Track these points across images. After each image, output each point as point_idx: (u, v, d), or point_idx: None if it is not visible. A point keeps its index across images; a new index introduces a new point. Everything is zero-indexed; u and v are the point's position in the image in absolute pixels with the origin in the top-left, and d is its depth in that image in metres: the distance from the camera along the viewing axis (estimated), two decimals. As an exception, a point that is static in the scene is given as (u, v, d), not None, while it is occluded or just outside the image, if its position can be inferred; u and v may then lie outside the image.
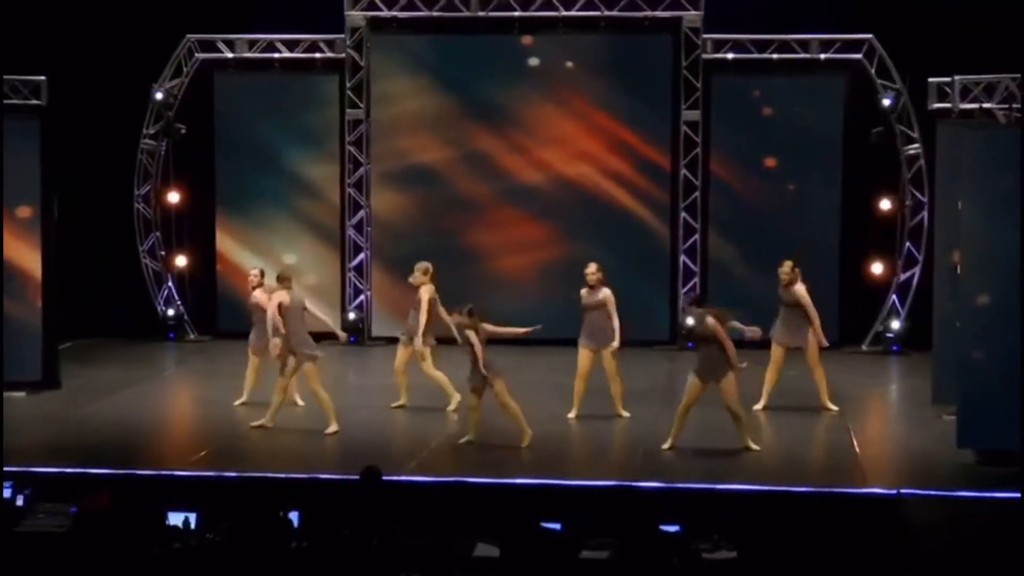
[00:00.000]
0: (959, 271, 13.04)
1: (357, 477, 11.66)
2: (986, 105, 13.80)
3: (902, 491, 11.74)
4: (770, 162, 20.11)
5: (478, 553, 10.62)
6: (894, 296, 19.89)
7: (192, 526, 11.16)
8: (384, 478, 11.13)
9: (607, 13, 19.79)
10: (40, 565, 10.37)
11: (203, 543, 10.77)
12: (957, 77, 13.89)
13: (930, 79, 15.70)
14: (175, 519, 10.92)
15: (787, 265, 15.72)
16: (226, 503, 11.64)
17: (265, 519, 10.83)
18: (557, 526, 10.73)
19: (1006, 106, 14.04)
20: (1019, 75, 13.61)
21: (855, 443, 14.00)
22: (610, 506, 11.62)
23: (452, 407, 15.66)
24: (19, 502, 11.62)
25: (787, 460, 13.29)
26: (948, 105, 15.26)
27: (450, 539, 10.71)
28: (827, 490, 12.09)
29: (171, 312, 20.83)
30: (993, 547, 10.44)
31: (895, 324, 19.78)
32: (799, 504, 11.70)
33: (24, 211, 16.49)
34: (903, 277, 19.84)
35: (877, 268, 20.06)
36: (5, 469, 12.46)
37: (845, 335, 19.87)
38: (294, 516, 11.18)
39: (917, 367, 18.53)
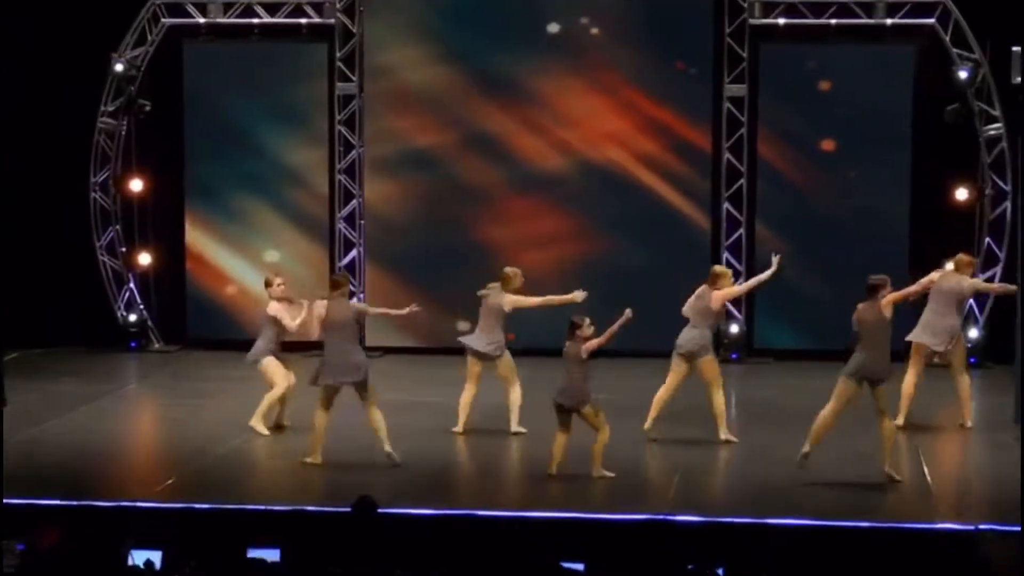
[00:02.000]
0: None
1: (348, 509, 11.67)
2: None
3: (980, 527, 11.70)
4: (828, 145, 20.05)
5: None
6: (971, 301, 19.81)
7: (156, 566, 11.18)
8: (380, 510, 11.11)
9: (638, -29, 19.82)
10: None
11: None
12: (1017, 49, 13.76)
13: (1015, 48, 15.57)
14: (137, 558, 10.93)
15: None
16: (195, 539, 11.67)
17: (239, 558, 10.84)
18: (580, 566, 10.73)
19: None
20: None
21: (926, 470, 13.94)
22: (639, 543, 11.61)
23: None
24: (-45, 539, 11.62)
25: (847, 490, 13.23)
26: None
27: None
28: (893, 525, 12.06)
29: (133, 317, 20.85)
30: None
31: (973, 333, 19.74)
32: (860, 541, 11.67)
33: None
34: (983, 278, 19.75)
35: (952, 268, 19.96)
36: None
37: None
38: (274, 554, 11.21)
39: (996, 382, 18.53)
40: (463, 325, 19.82)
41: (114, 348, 20.64)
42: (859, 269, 19.51)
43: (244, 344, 16.95)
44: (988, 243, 19.77)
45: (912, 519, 12.41)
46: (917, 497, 13.20)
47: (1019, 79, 15.24)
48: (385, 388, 16.23)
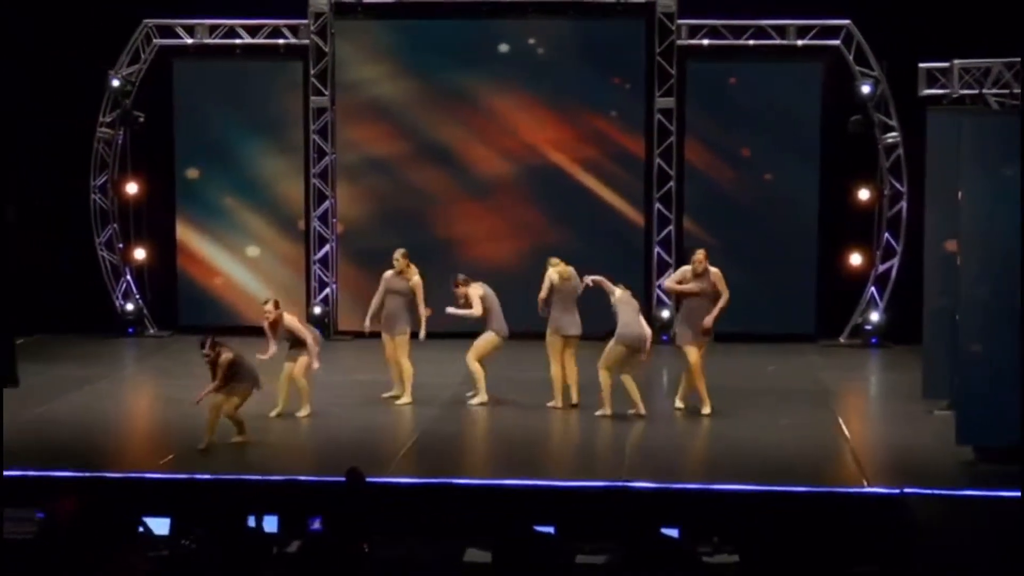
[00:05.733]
0: (958, 262, 12.70)
1: (336, 479, 11.28)
2: (983, 91, 13.44)
3: (905, 490, 11.42)
4: (746, 151, 19.79)
5: (468, 558, 10.26)
6: (872, 288, 19.62)
7: (166, 532, 10.77)
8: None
9: (578, -2, 19.45)
10: (7, 574, 9.92)
11: (179, 550, 10.36)
12: (957, 62, 13.55)
13: (921, 64, 15.37)
14: (152, 525, 10.51)
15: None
16: (199, 508, 11.25)
17: (242, 524, 10.41)
18: (551, 529, 10.38)
19: (1003, 91, 13.70)
20: (1017, 60, 13.28)
21: (850, 440, 13.68)
22: (605, 508, 11.23)
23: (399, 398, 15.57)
24: (-20, 509, 11.12)
25: (782, 459, 12.91)
26: (940, 91, 14.90)
27: (438, 544, 10.35)
28: (829, 490, 11.78)
29: (130, 307, 20.33)
30: (996, 546, 10.16)
31: (874, 316, 19.52)
32: (800, 504, 11.35)
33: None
34: (881, 268, 19.59)
35: (855, 259, 19.81)
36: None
37: (823, 327, 19.66)
38: (273, 521, 10.81)
39: (898, 360, 18.35)
40: (426, 312, 19.50)
41: (112, 334, 20.08)
42: (774, 260, 19.55)
43: (231, 330, 16.50)
44: (887, 238, 19.55)
45: (843, 484, 12.12)
46: (845, 463, 12.90)
47: (925, 91, 14.92)
48: (354, 370, 15.94)
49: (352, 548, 9.89)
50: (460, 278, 15.80)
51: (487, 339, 15.64)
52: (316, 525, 10.40)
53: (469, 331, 15.93)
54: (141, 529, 10.66)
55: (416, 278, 15.73)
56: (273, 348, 14.84)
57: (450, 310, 15.78)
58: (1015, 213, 11.98)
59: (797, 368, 17.77)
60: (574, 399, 15.18)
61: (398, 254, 15.80)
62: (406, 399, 15.58)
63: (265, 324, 14.93)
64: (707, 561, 10.07)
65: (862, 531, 10.63)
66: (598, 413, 14.74)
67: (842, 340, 19.66)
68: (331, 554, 9.79)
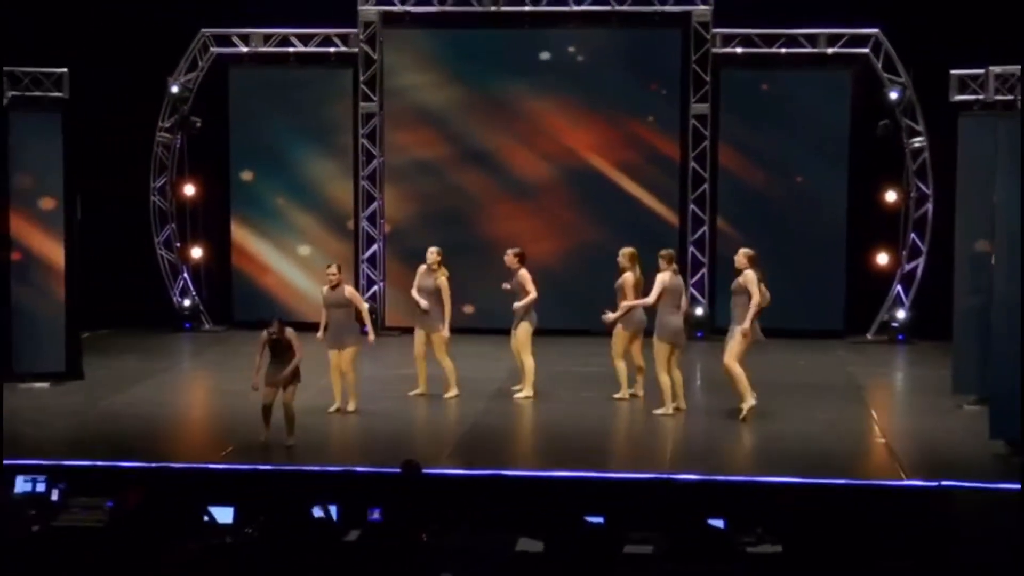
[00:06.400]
0: (993, 260, 12.55)
1: (392, 470, 11.19)
2: (1019, 97, 13.26)
3: (943, 483, 11.27)
4: (778, 154, 19.60)
5: (520, 548, 10.15)
6: (898, 286, 19.47)
7: (229, 520, 10.69)
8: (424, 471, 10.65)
9: (618, 8, 19.34)
10: (79, 560, 9.89)
11: (243, 538, 10.28)
12: (992, 68, 13.39)
13: (952, 71, 15.19)
14: (216, 513, 10.43)
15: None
16: (261, 497, 11.16)
17: (303, 513, 10.35)
18: (600, 520, 10.27)
19: (1011, 97, 13.51)
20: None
21: (884, 434, 13.53)
22: (651, 499, 11.12)
23: (522, 395, 15.28)
24: (54, 497, 11.09)
25: (821, 451, 12.77)
26: (970, 97, 14.72)
27: (492, 534, 10.24)
28: (868, 483, 11.63)
29: (187, 303, 20.34)
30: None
31: (900, 314, 19.38)
32: (841, 497, 11.21)
33: (47, 203, 16.00)
34: (908, 268, 19.43)
35: (882, 259, 19.68)
36: (37, 463, 11.99)
37: (851, 324, 19.53)
38: (333, 510, 10.71)
39: (924, 356, 18.22)
40: (468, 309, 19.46)
41: (170, 329, 20.13)
42: (805, 259, 19.41)
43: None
44: (913, 239, 19.39)
45: (881, 477, 11.98)
46: (882, 457, 12.76)
47: (956, 97, 14.75)
48: (403, 365, 15.86)
49: (410, 538, 9.81)
50: (517, 252, 15.39)
51: (527, 330, 15.31)
52: (376, 515, 10.29)
53: (497, 328, 15.71)
54: (206, 518, 10.59)
55: (442, 279, 15.29)
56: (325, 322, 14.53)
57: (506, 287, 15.43)
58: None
59: (828, 363, 17.65)
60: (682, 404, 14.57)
61: (432, 251, 15.47)
62: (453, 391, 15.31)
63: (325, 289, 14.62)
64: (751, 551, 9.91)
65: (901, 523, 10.49)
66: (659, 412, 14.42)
67: (869, 336, 19.52)
68: (391, 543, 9.74)
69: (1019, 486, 11.15)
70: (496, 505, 11.16)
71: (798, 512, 10.33)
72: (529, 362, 15.23)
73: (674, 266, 14.62)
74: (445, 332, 15.26)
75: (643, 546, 10.06)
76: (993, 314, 12.52)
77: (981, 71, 14.37)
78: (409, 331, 16.93)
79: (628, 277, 14.88)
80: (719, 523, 10.20)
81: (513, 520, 10.52)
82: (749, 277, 14.25)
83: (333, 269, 14.64)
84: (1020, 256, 12.01)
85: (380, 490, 10.89)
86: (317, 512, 10.09)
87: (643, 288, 14.82)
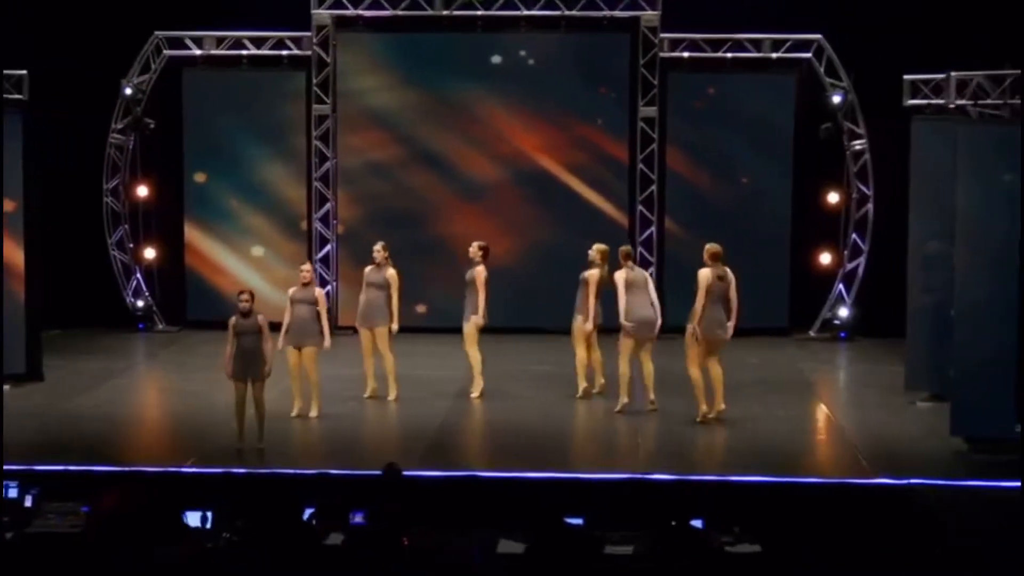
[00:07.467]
0: (954, 261, 12.51)
1: (367, 473, 10.96)
2: (977, 102, 13.26)
3: (912, 481, 11.19)
4: (723, 156, 19.53)
5: (501, 550, 9.94)
6: (840, 285, 19.48)
7: (208, 525, 10.38)
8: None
9: (567, 13, 19.15)
10: (56, 567, 9.54)
11: (224, 542, 9.99)
12: (953, 73, 13.37)
13: (906, 76, 15.18)
14: (192, 518, 10.12)
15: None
16: (238, 501, 10.86)
17: (282, 517, 10.07)
18: (579, 521, 10.08)
19: (972, 102, 13.51)
20: (1000, 71, 13.11)
21: (844, 431, 13.46)
22: (627, 500, 10.95)
23: (475, 393, 15.07)
24: (27, 502, 10.71)
25: (786, 451, 12.67)
26: (922, 101, 14.71)
27: (472, 536, 10.02)
28: (839, 481, 11.54)
29: (140, 303, 19.93)
30: (999, 537, 9.95)
31: (842, 311, 19.37)
32: (814, 496, 11.10)
33: (7, 204, 15.54)
34: (849, 267, 19.44)
35: (825, 258, 19.66)
36: (6, 468, 11.60)
37: (794, 321, 19.51)
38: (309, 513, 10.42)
39: (868, 353, 18.25)
40: (421, 309, 19.22)
41: (124, 329, 19.66)
42: (750, 258, 19.28)
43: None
44: (854, 238, 19.40)
45: (850, 475, 11.89)
46: (847, 455, 12.67)
47: (909, 102, 14.73)
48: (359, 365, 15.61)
49: (393, 541, 9.57)
50: (482, 244, 15.22)
51: (473, 325, 15.06)
52: (358, 519, 10.03)
53: (449, 327, 15.50)
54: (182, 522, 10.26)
55: (391, 271, 15.13)
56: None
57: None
58: (1008, 214, 11.80)
59: (778, 360, 17.58)
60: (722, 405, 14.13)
61: (378, 247, 15.27)
62: (393, 391, 15.04)
63: (294, 289, 14.38)
64: (729, 551, 9.77)
65: (875, 522, 10.39)
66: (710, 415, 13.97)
67: (812, 333, 19.51)
68: (374, 547, 9.50)
69: (980, 483, 11.14)
70: (474, 507, 10.97)
71: (774, 511, 10.23)
72: (475, 356, 15.04)
73: (629, 262, 14.49)
74: (395, 326, 14.98)
75: (623, 547, 9.89)
76: (956, 314, 12.48)
77: (932, 76, 14.34)
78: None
79: (594, 273, 14.74)
80: (698, 523, 10.06)
81: (491, 522, 10.32)
82: (701, 275, 14.10)
83: (307, 267, 14.66)
84: (981, 256, 11.98)
85: (358, 493, 10.61)
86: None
87: (605, 285, 14.70)
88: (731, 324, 13.95)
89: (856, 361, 18.01)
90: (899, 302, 15.74)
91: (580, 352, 14.87)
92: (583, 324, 14.77)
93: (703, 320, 13.86)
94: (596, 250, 14.88)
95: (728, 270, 14.18)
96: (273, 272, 19.82)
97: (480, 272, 15.08)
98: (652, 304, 14.37)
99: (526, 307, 18.81)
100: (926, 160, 14.06)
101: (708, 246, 14.27)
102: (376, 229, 19.35)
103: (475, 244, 15.34)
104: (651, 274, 19.21)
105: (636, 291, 14.30)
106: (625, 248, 14.85)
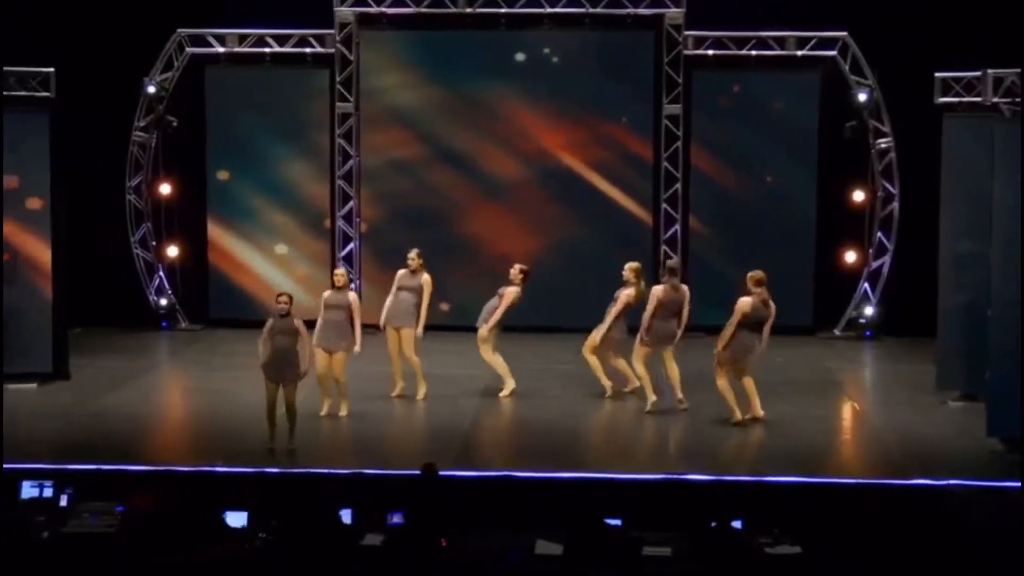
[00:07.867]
0: (991, 260, 12.40)
1: (401, 472, 10.91)
2: (994, 100, 13.15)
3: (951, 482, 11.10)
4: (748, 154, 19.42)
5: (539, 551, 9.89)
6: (866, 284, 19.39)
7: (244, 525, 10.34)
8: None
9: (592, 10, 19.07)
10: (93, 567, 9.51)
11: (260, 543, 9.94)
12: (991, 71, 13.24)
13: (937, 73, 15.04)
14: (233, 519, 10.08)
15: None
16: (273, 501, 10.82)
17: (317, 517, 10.02)
18: (618, 522, 10.03)
19: (1008, 100, 13.40)
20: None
21: (878, 431, 13.35)
22: (665, 501, 10.87)
23: (506, 392, 15.01)
24: (62, 502, 10.68)
25: (821, 451, 12.57)
26: (953, 99, 14.59)
27: (510, 537, 9.97)
28: (875, 481, 11.44)
29: (163, 301, 19.88)
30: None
31: (868, 310, 19.28)
32: (850, 496, 11.00)
33: (34, 203, 15.51)
34: (874, 265, 19.35)
35: (850, 256, 19.56)
36: (39, 467, 11.59)
37: (819, 320, 19.41)
38: (346, 514, 10.38)
39: (894, 352, 18.17)
40: (444, 307, 19.15)
41: (147, 328, 19.60)
42: (775, 257, 19.21)
43: (258, 323, 15.95)
44: (879, 237, 19.30)
45: (887, 476, 11.78)
46: (882, 455, 12.57)
47: (940, 99, 14.61)
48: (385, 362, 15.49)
49: (432, 541, 9.53)
50: (523, 268, 15.30)
51: (487, 331, 15.07)
52: (396, 519, 9.98)
53: (473, 325, 15.45)
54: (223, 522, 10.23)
55: (426, 276, 15.13)
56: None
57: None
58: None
59: (804, 360, 17.45)
60: (760, 413, 13.93)
61: (412, 253, 15.28)
62: (422, 390, 15.03)
63: (328, 292, 14.39)
64: (769, 552, 9.70)
65: (913, 522, 10.32)
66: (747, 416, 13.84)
67: (837, 332, 19.42)
68: (413, 548, 9.46)
69: (1018, 484, 11.04)
70: (510, 508, 10.91)
71: (811, 512, 10.16)
72: (494, 360, 15.06)
73: (675, 280, 14.33)
74: (420, 331, 14.98)
75: (661, 548, 9.83)
76: (992, 314, 12.37)
77: (965, 74, 14.23)
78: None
79: (630, 292, 14.59)
80: (736, 524, 10.01)
81: (529, 523, 10.26)
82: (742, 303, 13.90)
83: (341, 271, 14.71)
84: (1019, 255, 11.87)
85: (396, 493, 10.55)
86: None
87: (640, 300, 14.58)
88: (763, 347, 13.78)
89: (883, 360, 17.91)
90: (925, 301, 15.65)
91: (590, 359, 14.85)
92: (595, 335, 14.75)
93: (736, 346, 13.71)
94: (629, 269, 14.69)
95: (770, 300, 13.79)
96: (296, 270, 19.78)
97: (512, 292, 15.09)
98: (680, 323, 14.25)
99: (549, 306, 18.72)
100: (958, 158, 13.97)
101: (751, 274, 13.90)
102: (399, 227, 19.37)
103: (516, 266, 15.38)
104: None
105: (667, 315, 14.12)
106: (672, 263, 14.75)
